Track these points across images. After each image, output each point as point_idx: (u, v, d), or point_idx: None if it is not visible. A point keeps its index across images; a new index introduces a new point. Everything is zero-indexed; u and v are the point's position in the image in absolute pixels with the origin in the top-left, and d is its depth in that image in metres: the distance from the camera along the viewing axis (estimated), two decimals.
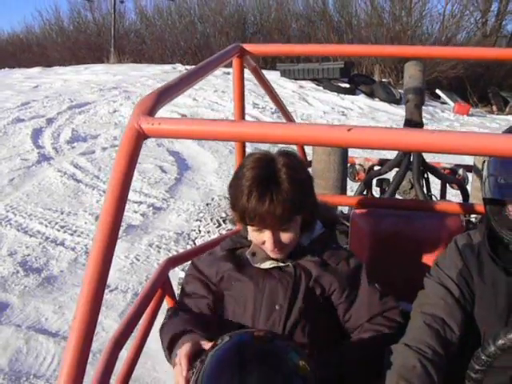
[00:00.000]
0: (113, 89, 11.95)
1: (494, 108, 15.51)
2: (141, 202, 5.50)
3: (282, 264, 1.75)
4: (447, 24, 17.96)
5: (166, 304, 1.96)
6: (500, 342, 1.34)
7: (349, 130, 1.07)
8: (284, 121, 2.97)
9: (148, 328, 1.80)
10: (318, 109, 11.34)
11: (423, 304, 1.64)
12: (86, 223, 4.98)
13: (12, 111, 9.50)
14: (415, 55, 2.80)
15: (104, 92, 11.61)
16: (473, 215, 2.86)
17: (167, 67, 15.89)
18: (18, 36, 28.46)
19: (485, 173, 1.68)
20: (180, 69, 15.40)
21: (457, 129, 10.74)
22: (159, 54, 21.57)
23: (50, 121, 8.92)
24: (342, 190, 3.25)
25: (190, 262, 2.44)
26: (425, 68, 3.16)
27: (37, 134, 8.14)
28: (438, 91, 15.03)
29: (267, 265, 1.75)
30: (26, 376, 2.87)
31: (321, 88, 13.10)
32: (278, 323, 1.70)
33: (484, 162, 1.74)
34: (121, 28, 23.52)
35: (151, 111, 1.27)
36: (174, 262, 2.08)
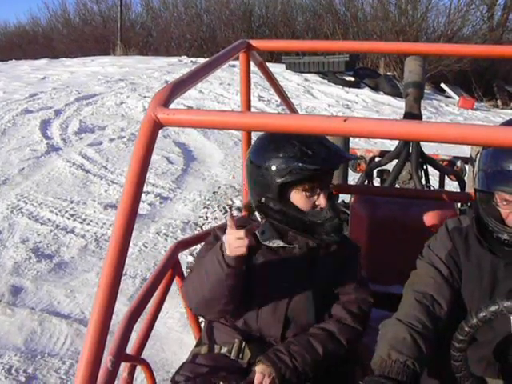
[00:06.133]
0: (119, 81, 12.04)
1: (499, 102, 15.52)
2: (148, 192, 5.62)
3: (288, 245, 1.88)
4: (453, 18, 17.96)
5: (176, 283, 2.10)
6: (481, 314, 1.47)
7: (345, 120, 1.20)
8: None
9: (160, 304, 1.93)
10: (323, 102, 11.42)
11: (414, 283, 1.77)
12: (94, 212, 5.11)
13: (20, 102, 9.61)
14: (419, 52, 2.88)
15: (111, 84, 11.70)
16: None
17: (173, 59, 15.94)
18: (24, 28, 28.55)
19: (476, 166, 1.79)
20: (186, 61, 15.46)
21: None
22: (165, 46, 21.65)
23: (58, 112, 9.03)
24: (344, 180, 3.37)
25: (198, 245, 2.58)
26: (425, 63, 3.27)
27: (45, 125, 8.25)
28: (442, 85, 15.07)
29: (275, 243, 1.89)
30: (40, 355, 3.00)
31: (326, 81, 13.17)
32: (282, 302, 1.84)
33: (477, 153, 1.85)
34: (127, 20, 23.57)
35: (166, 103, 1.39)
36: (183, 244, 2.21)
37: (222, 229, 1.99)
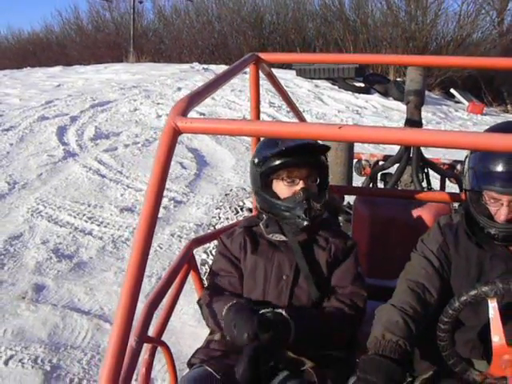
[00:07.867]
0: (133, 88, 12.29)
1: (509, 107, 15.63)
2: (163, 196, 5.81)
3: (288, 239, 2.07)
4: (463, 23, 18.08)
5: (191, 277, 2.28)
6: (462, 298, 1.65)
7: (340, 127, 1.38)
8: (296, 120, 3.28)
9: (176, 295, 2.11)
10: (333, 108, 11.60)
11: (408, 272, 1.95)
12: (111, 215, 5.32)
13: (37, 109, 9.87)
14: (428, 64, 3.03)
15: (125, 91, 11.96)
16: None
17: (185, 66, 16.20)
18: (38, 35, 29.00)
19: (465, 166, 1.96)
20: (198, 68, 15.71)
21: (469, 128, 10.88)
22: (177, 53, 21.95)
23: (73, 119, 9.29)
24: (348, 183, 3.55)
25: (211, 243, 2.77)
26: (425, 72, 3.45)
27: (61, 131, 8.50)
28: (452, 90, 15.20)
29: (278, 237, 2.08)
30: (63, 347, 3.19)
31: (336, 87, 13.36)
32: (285, 290, 2.02)
33: (466, 156, 2.02)
34: (139, 27, 23.93)
35: (184, 112, 1.59)
36: (198, 241, 2.40)
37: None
